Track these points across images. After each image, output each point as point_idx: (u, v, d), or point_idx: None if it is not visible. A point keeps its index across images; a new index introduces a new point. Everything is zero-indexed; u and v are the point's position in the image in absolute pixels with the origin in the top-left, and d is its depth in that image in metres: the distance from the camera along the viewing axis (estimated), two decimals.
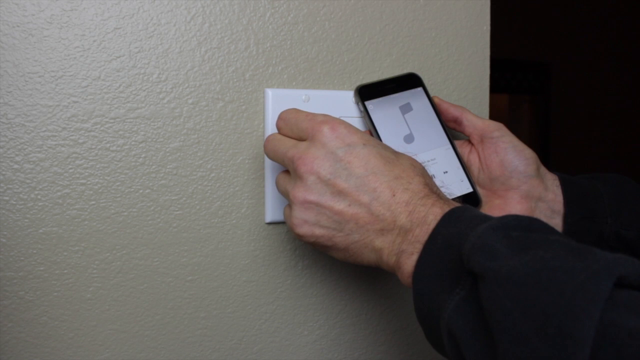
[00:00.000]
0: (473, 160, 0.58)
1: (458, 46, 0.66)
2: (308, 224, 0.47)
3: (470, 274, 0.37)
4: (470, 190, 0.57)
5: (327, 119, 0.48)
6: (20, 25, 0.50)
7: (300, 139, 0.49)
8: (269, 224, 0.59)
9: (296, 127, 0.49)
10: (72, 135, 0.52)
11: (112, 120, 0.53)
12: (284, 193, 0.50)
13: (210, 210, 0.57)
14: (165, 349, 0.56)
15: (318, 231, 0.47)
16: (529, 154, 0.56)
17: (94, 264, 0.53)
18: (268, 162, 0.58)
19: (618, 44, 3.15)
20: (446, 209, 0.43)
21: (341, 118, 0.60)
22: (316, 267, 0.61)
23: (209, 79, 0.56)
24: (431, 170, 0.57)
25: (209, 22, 0.56)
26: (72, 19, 0.51)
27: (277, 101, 0.58)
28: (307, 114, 0.49)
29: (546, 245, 0.35)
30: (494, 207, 0.56)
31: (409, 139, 0.57)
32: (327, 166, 0.46)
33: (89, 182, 0.53)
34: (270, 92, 0.58)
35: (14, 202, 0.51)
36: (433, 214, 0.43)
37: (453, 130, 0.60)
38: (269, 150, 0.51)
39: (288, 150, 0.48)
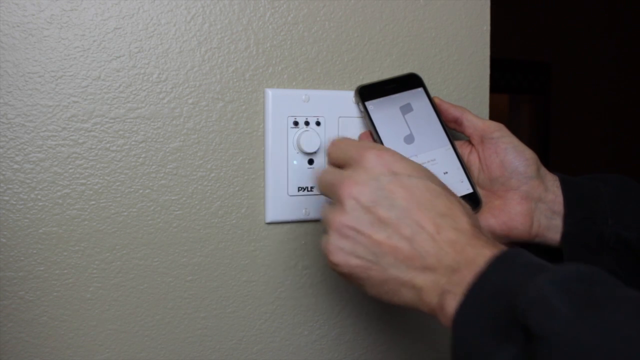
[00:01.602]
0: (473, 160, 0.58)
1: (458, 46, 0.66)
2: (343, 252, 0.44)
3: (523, 329, 0.34)
4: (470, 190, 0.57)
5: (375, 146, 0.46)
6: (20, 25, 0.50)
7: (348, 167, 0.46)
8: (269, 224, 0.59)
9: (343, 154, 0.47)
10: (72, 135, 0.52)
11: (112, 120, 0.53)
12: (324, 222, 0.47)
13: (210, 210, 0.57)
14: (165, 349, 0.56)
15: (353, 261, 0.44)
16: (529, 154, 0.56)
17: (94, 264, 0.53)
18: (268, 162, 0.58)
19: (618, 44, 3.15)
20: (496, 252, 0.40)
21: (341, 118, 0.60)
22: (316, 267, 0.61)
23: (209, 79, 0.56)
24: (431, 170, 0.57)
25: (209, 22, 0.56)
26: (72, 19, 0.51)
27: (277, 101, 0.58)
28: (356, 141, 0.47)
29: (615, 305, 0.32)
30: (494, 208, 0.56)
31: (409, 139, 0.57)
32: (368, 192, 0.43)
33: (89, 182, 0.53)
34: (270, 92, 0.58)
35: (14, 202, 0.51)
36: (483, 256, 0.40)
37: (453, 131, 0.60)
38: (321, 184, 0.48)
39: (334, 177, 0.46)
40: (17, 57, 0.50)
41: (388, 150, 0.46)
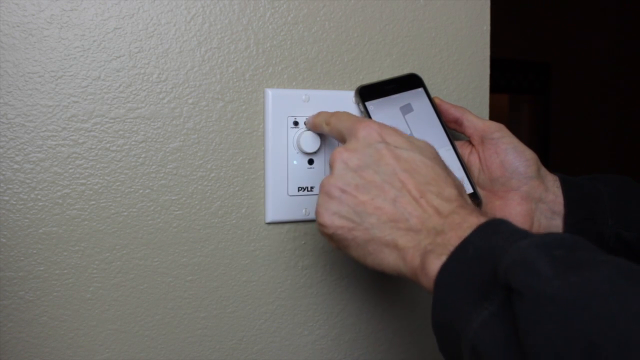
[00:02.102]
0: (473, 161, 0.58)
1: (458, 46, 0.66)
2: (329, 213, 0.45)
3: (503, 289, 0.35)
4: (471, 191, 0.57)
5: (372, 120, 0.48)
6: (20, 25, 0.50)
7: (345, 137, 0.48)
8: (269, 224, 0.59)
9: (341, 124, 0.49)
10: (72, 135, 0.52)
11: (112, 120, 0.53)
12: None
13: (210, 210, 0.57)
14: (165, 349, 0.56)
15: (338, 221, 0.45)
16: (529, 155, 0.56)
17: (94, 264, 0.53)
18: (268, 162, 0.58)
19: (618, 44, 3.15)
20: (482, 219, 0.40)
21: None
22: (316, 267, 0.61)
23: (209, 79, 0.56)
24: None
25: (209, 22, 0.56)
26: (72, 19, 0.51)
27: (277, 101, 0.58)
28: (355, 115, 0.49)
29: (594, 267, 0.33)
30: (494, 208, 0.56)
31: None
32: (357, 157, 0.45)
33: (89, 182, 0.53)
34: (270, 92, 0.58)
35: (14, 202, 0.51)
36: (469, 222, 0.40)
37: (454, 131, 0.60)
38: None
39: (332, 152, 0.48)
40: (17, 57, 0.50)
41: (383, 124, 0.47)
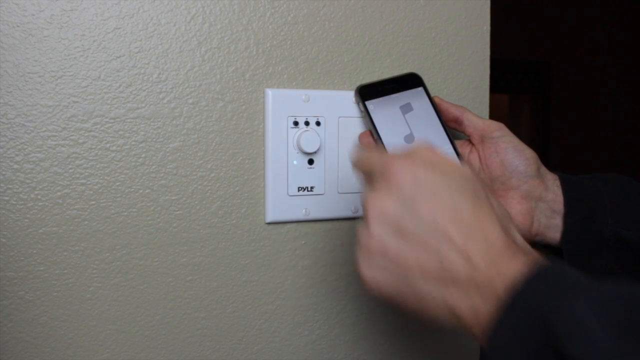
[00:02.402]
0: (473, 160, 0.58)
1: (458, 46, 0.66)
2: (372, 274, 0.42)
3: (558, 355, 0.33)
4: None
5: (399, 155, 0.43)
6: (20, 25, 0.50)
7: (374, 178, 0.45)
8: (269, 224, 0.59)
9: (368, 166, 0.45)
10: (72, 135, 0.52)
11: (112, 120, 0.53)
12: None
13: (210, 210, 0.57)
14: (165, 349, 0.56)
15: (382, 280, 0.42)
16: (529, 154, 0.56)
17: (94, 264, 0.53)
18: (268, 162, 0.58)
19: (618, 44, 3.15)
20: (531, 265, 0.37)
21: (341, 118, 0.60)
22: (316, 267, 0.61)
23: (209, 79, 0.56)
24: None
25: (209, 22, 0.56)
26: (72, 19, 0.51)
27: (277, 101, 0.58)
28: (380, 152, 0.46)
29: None
30: None
31: (409, 139, 0.57)
32: (392, 207, 0.41)
33: (89, 182, 0.53)
34: (270, 92, 0.58)
35: (14, 202, 0.51)
36: (516, 270, 0.37)
37: (453, 130, 0.60)
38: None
39: (363, 196, 0.44)
40: (17, 57, 0.50)
41: (411, 156, 0.43)
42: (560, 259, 0.38)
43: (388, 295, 0.43)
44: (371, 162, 0.45)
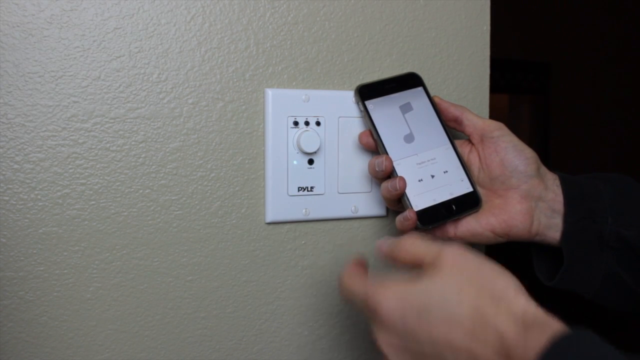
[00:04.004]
0: (473, 159, 0.58)
1: (458, 46, 0.66)
2: None
3: None
4: (471, 189, 0.57)
5: (379, 287, 0.43)
6: (20, 25, 0.50)
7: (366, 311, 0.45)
8: (269, 224, 0.59)
9: (352, 298, 0.46)
10: (72, 135, 0.52)
11: (112, 120, 0.53)
12: None
13: (210, 210, 0.57)
14: (165, 349, 0.56)
15: None
16: (529, 153, 0.56)
17: (94, 264, 0.53)
18: (268, 162, 0.58)
19: (618, 44, 3.15)
20: (551, 338, 0.36)
21: (341, 118, 0.60)
22: (316, 267, 0.61)
23: (209, 79, 0.56)
24: (431, 169, 0.57)
25: (209, 22, 0.56)
26: (72, 19, 0.51)
27: (277, 101, 0.58)
28: (359, 282, 0.45)
29: None
30: (494, 207, 0.56)
31: (409, 138, 0.57)
32: (394, 340, 0.42)
33: (89, 182, 0.53)
34: (270, 92, 0.58)
35: (14, 202, 0.51)
36: (536, 348, 0.36)
37: (453, 130, 0.60)
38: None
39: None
40: (17, 57, 0.50)
41: (391, 286, 0.43)
42: (582, 328, 0.37)
43: None
44: (354, 296, 0.45)
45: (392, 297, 0.42)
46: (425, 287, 0.42)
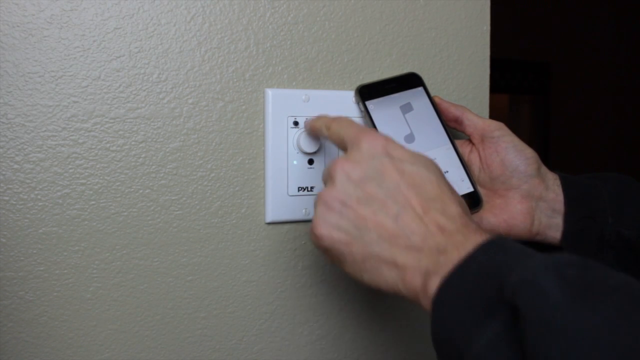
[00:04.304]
0: (474, 159, 0.58)
1: (458, 46, 0.66)
2: (327, 225, 0.44)
3: (509, 307, 0.34)
4: (471, 189, 0.57)
5: (374, 130, 0.46)
6: (20, 25, 0.50)
7: (346, 146, 0.47)
8: (269, 224, 0.59)
9: (344, 131, 0.47)
10: (72, 135, 0.52)
11: (112, 120, 0.53)
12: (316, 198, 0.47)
13: (210, 210, 0.57)
14: (165, 349, 0.56)
15: (336, 234, 0.43)
16: (529, 153, 0.56)
17: (94, 264, 0.53)
18: (268, 162, 0.58)
19: (618, 44, 3.15)
20: (487, 237, 0.39)
21: None
22: (316, 267, 0.61)
23: (209, 79, 0.56)
24: None
25: (209, 22, 0.56)
26: (72, 19, 0.51)
27: (277, 101, 0.58)
28: (357, 123, 0.48)
29: (605, 294, 0.32)
30: (495, 207, 0.56)
31: (409, 138, 0.57)
32: (360, 169, 0.43)
33: (89, 182, 0.53)
34: (270, 92, 0.58)
35: (14, 202, 0.51)
36: (472, 241, 0.39)
37: (454, 130, 0.60)
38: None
39: (331, 162, 0.46)
40: (17, 57, 0.50)
41: (388, 136, 0.45)
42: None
43: (337, 249, 0.44)
44: (343, 132, 0.47)
45: (383, 141, 0.45)
46: (412, 154, 0.45)
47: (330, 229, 0.44)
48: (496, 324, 0.34)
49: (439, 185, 0.43)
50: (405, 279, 0.40)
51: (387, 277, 0.42)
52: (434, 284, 0.38)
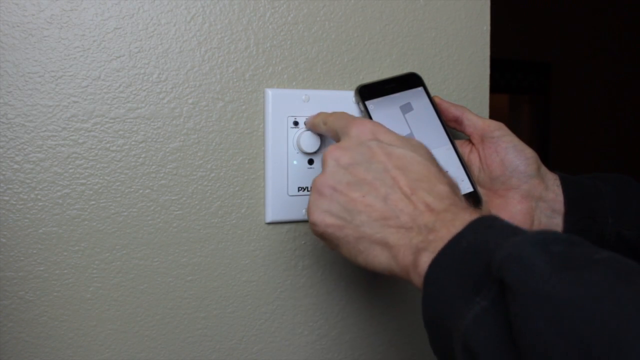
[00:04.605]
0: (473, 159, 0.58)
1: (458, 46, 0.66)
2: (320, 210, 0.45)
3: (497, 283, 0.34)
4: (471, 189, 0.57)
5: (364, 118, 0.48)
6: (20, 25, 0.50)
7: (339, 136, 0.49)
8: (269, 224, 0.59)
9: (336, 123, 0.49)
10: (72, 135, 0.52)
11: (112, 120, 0.53)
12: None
13: (210, 210, 0.57)
14: (165, 349, 0.56)
15: (329, 219, 0.44)
16: (529, 153, 0.56)
17: (94, 264, 0.53)
18: (268, 162, 0.58)
19: (618, 44, 3.15)
20: (475, 215, 0.40)
21: None
22: (316, 267, 0.61)
23: (209, 79, 0.56)
24: None
25: (209, 22, 0.56)
26: (72, 19, 0.51)
27: (277, 101, 0.58)
28: (349, 115, 0.50)
29: (591, 265, 0.32)
30: (495, 207, 0.56)
31: None
32: (349, 154, 0.45)
33: (89, 182, 0.53)
34: (270, 92, 0.58)
35: (14, 202, 0.51)
36: (461, 219, 0.39)
37: (453, 130, 0.60)
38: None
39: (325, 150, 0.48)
40: (17, 57, 0.50)
41: (376, 122, 0.47)
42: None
43: (331, 234, 0.45)
44: (336, 124, 0.49)
45: (372, 126, 0.46)
46: (401, 139, 0.46)
47: (323, 215, 0.45)
48: (483, 300, 0.35)
49: (426, 166, 0.44)
50: (397, 257, 0.41)
51: (380, 258, 0.43)
52: (425, 262, 0.39)
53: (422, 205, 0.42)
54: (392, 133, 0.46)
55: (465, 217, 0.40)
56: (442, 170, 0.46)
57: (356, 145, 0.45)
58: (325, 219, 0.45)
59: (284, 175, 0.58)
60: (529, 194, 0.55)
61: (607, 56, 3.14)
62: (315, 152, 0.59)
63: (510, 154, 0.56)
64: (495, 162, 0.56)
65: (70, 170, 0.52)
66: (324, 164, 0.46)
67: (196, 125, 0.56)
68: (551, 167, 0.58)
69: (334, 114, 0.52)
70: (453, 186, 0.45)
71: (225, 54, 0.56)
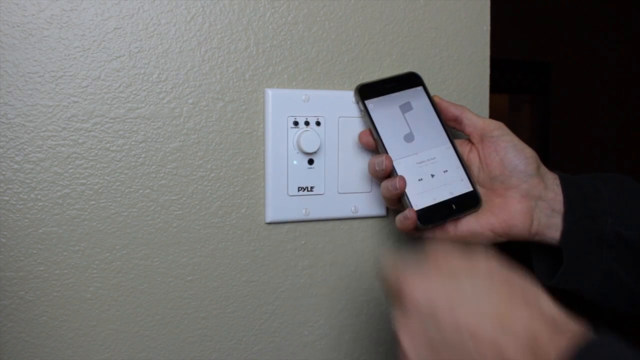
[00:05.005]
0: (473, 159, 0.58)
1: (458, 46, 0.66)
2: None
3: None
4: (470, 189, 0.57)
5: (411, 277, 0.43)
6: (20, 25, 0.50)
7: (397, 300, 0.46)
8: (269, 224, 0.59)
9: (388, 287, 0.46)
10: (72, 135, 0.52)
11: (112, 120, 0.53)
12: None
13: (210, 210, 0.57)
14: (165, 349, 0.56)
15: None
16: (529, 153, 0.56)
17: (94, 264, 0.53)
18: (268, 162, 0.58)
19: (618, 44, 3.15)
20: (574, 342, 0.36)
21: (341, 118, 0.60)
22: (316, 267, 0.61)
23: (209, 79, 0.56)
24: (431, 169, 0.57)
25: (209, 22, 0.56)
26: (72, 19, 0.51)
27: (277, 101, 0.58)
28: (395, 271, 0.46)
29: None
30: (494, 206, 0.56)
31: (409, 138, 0.57)
32: (416, 325, 0.42)
33: (89, 182, 0.53)
34: (270, 92, 0.58)
35: (14, 202, 0.51)
36: (557, 351, 0.36)
37: (453, 129, 0.60)
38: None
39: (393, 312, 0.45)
40: (17, 57, 0.50)
41: (425, 272, 0.44)
42: (608, 334, 0.37)
43: None
44: (387, 283, 0.46)
45: (422, 286, 0.43)
46: (458, 282, 0.42)
47: None
48: None
49: (498, 302, 0.40)
50: None
51: None
52: None
53: (510, 350, 0.38)
54: (446, 278, 0.43)
55: (560, 346, 0.36)
56: (516, 282, 0.42)
57: (416, 315, 0.42)
58: None
59: (284, 175, 0.58)
60: (528, 194, 0.55)
61: (607, 56, 3.14)
62: (315, 152, 0.59)
63: (510, 154, 0.56)
64: (495, 161, 0.56)
65: (70, 170, 0.52)
66: (400, 339, 0.43)
67: (196, 125, 0.56)
68: (551, 167, 0.58)
69: (381, 274, 0.48)
70: (537, 296, 0.41)
71: (225, 54, 0.56)
